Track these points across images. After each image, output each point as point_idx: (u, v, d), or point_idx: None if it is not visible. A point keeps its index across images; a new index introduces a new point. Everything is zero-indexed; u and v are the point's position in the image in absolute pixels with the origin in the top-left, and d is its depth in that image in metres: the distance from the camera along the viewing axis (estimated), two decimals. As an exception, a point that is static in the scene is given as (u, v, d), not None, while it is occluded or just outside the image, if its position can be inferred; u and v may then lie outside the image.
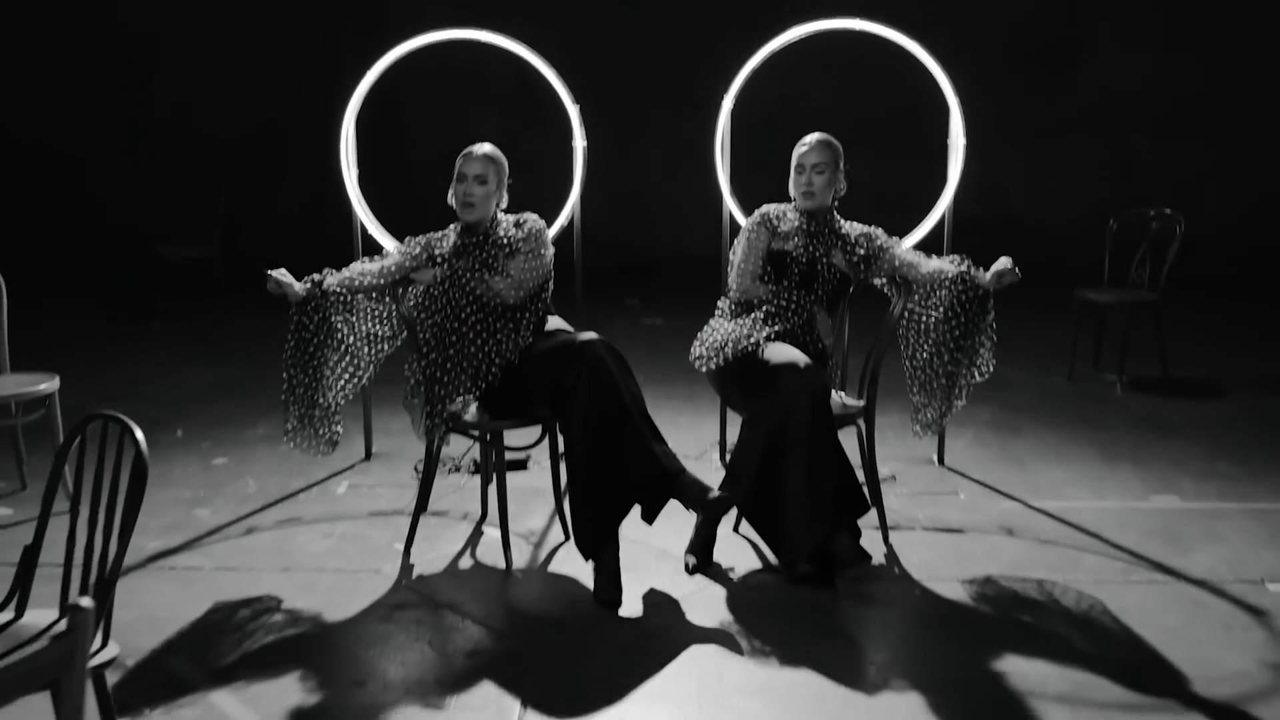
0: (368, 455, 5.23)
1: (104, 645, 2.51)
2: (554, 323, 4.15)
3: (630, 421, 3.75)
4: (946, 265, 4.08)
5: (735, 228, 4.68)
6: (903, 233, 4.54)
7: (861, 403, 4.17)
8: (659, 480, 3.75)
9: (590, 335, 3.86)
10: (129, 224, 9.73)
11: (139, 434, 2.49)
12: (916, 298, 4.14)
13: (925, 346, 4.12)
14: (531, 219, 4.17)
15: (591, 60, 10.22)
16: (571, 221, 4.94)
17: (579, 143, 4.88)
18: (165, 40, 10.31)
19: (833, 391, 4.12)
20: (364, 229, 4.97)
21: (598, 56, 10.33)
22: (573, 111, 4.88)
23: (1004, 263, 3.95)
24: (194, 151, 10.05)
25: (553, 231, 4.81)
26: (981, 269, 4.03)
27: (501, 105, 10.32)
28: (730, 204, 4.85)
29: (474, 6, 10.50)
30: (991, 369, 4.13)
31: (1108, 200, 10.34)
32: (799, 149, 4.20)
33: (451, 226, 4.21)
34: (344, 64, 10.27)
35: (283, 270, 3.99)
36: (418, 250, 4.13)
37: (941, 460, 5.11)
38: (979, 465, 5.08)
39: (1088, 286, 6.66)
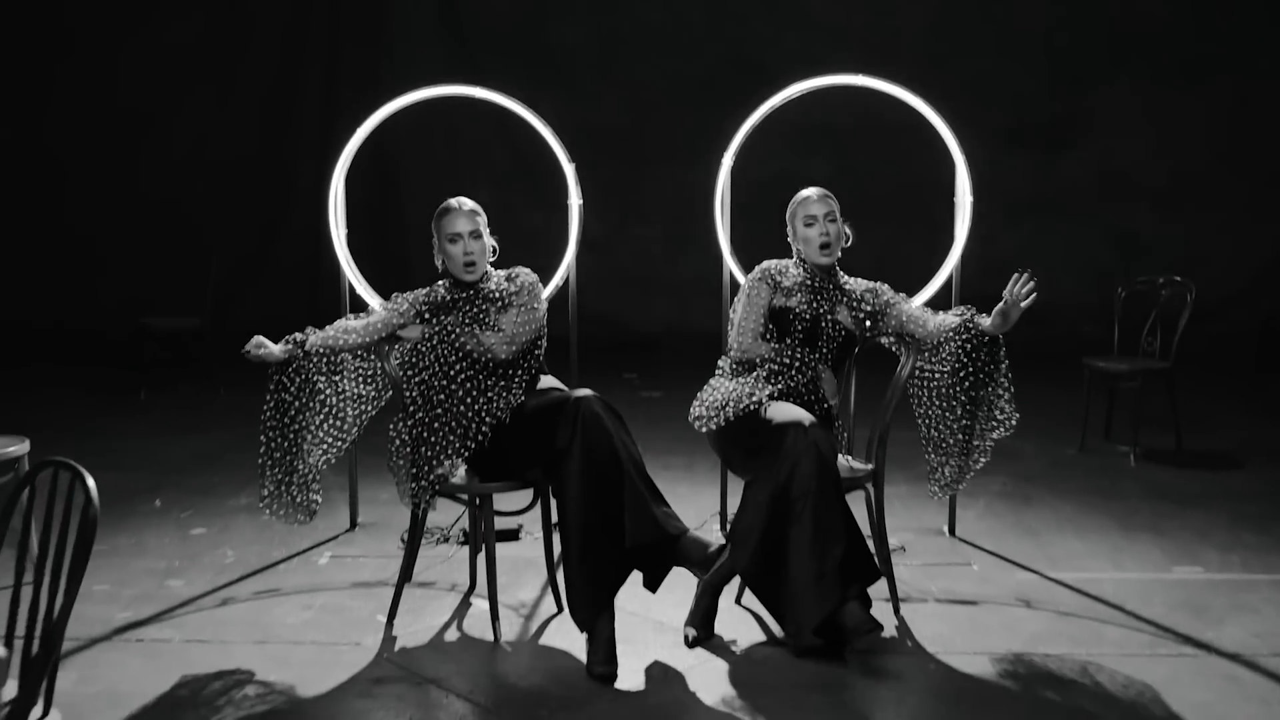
0: (353, 525, 5.02)
1: (45, 714, 2.29)
2: (547, 382, 3.97)
3: (628, 482, 3.55)
4: (952, 318, 3.91)
5: (736, 288, 4.52)
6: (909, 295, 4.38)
7: (870, 466, 3.97)
8: (661, 544, 3.54)
9: (585, 392, 3.68)
10: (118, 292, 9.61)
11: (89, 481, 2.29)
12: (925, 355, 3.96)
13: (937, 403, 3.94)
14: (524, 272, 4.01)
15: (590, 136, 10.18)
16: (567, 282, 4.78)
17: (574, 200, 4.75)
18: (159, 112, 10.28)
19: (839, 455, 3.93)
20: (353, 291, 4.81)
21: (596, 131, 10.28)
22: (568, 169, 4.75)
23: (1002, 305, 3.75)
24: (186, 220, 9.96)
25: (547, 291, 4.66)
26: (985, 315, 3.86)
27: (500, 181, 10.27)
28: (730, 263, 4.70)
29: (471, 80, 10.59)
30: (1014, 423, 3.93)
31: (1109, 274, 10.27)
32: (803, 203, 4.04)
33: (440, 283, 4.05)
34: (341, 129, 10.23)
35: (258, 339, 3.83)
36: (405, 306, 3.97)
37: (952, 531, 4.89)
38: (991, 536, 4.86)
39: (1098, 355, 6.49)
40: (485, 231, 3.98)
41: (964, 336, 3.84)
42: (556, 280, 4.76)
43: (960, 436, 3.91)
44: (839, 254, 4.05)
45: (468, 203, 3.99)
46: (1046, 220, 10.54)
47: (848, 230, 4.08)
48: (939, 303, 4.59)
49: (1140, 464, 6.04)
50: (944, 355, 3.91)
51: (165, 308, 8.44)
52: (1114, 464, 6.08)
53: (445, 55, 10.40)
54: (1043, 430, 6.64)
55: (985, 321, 3.82)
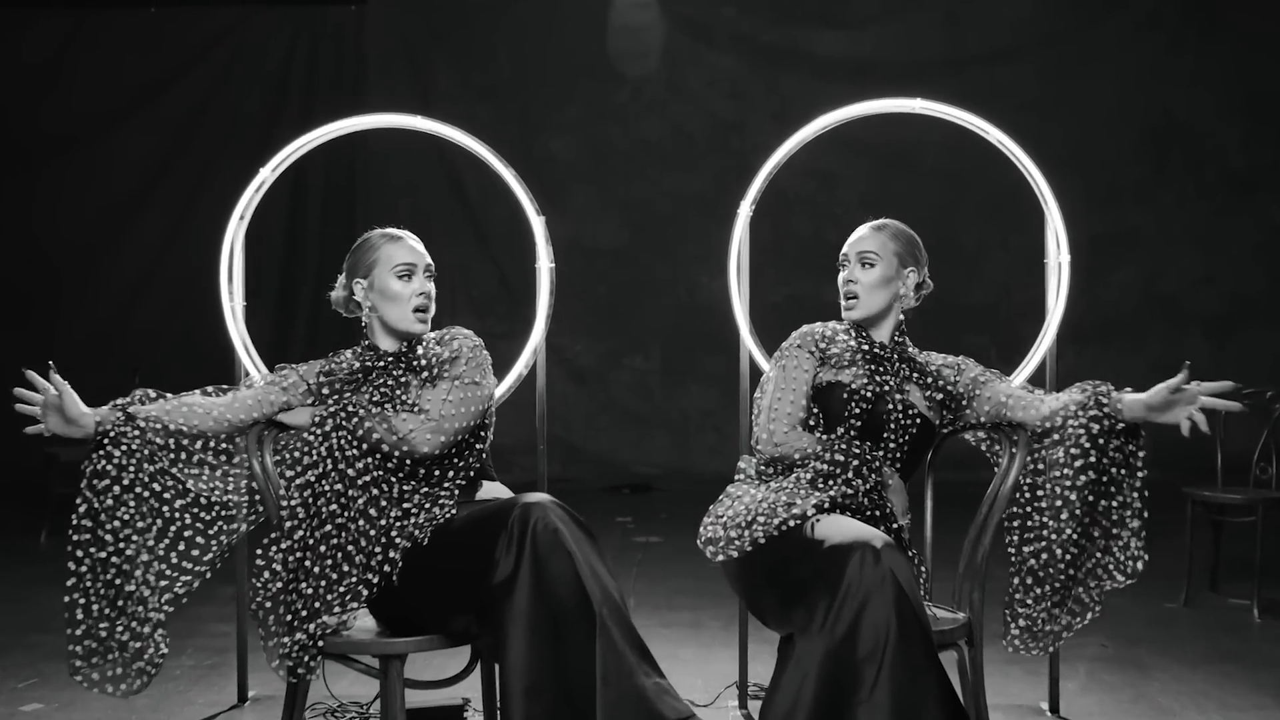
0: (241, 700, 3.71)
1: None
2: (490, 491, 2.76)
3: (604, 636, 2.31)
4: (1076, 394, 2.74)
5: (756, 374, 3.34)
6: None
7: (961, 616, 2.73)
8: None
9: (538, 496, 2.47)
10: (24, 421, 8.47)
11: None
12: (1040, 450, 2.76)
13: (1045, 514, 2.71)
14: (462, 334, 2.85)
15: (582, 256, 9.32)
16: (534, 369, 3.61)
17: (544, 263, 3.62)
18: (101, 240, 9.36)
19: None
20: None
21: (588, 252, 9.45)
22: (537, 225, 3.64)
23: (1171, 388, 2.60)
24: (109, 340, 8.94)
25: (507, 382, 3.50)
26: (1129, 390, 2.70)
27: (481, 308, 9.37)
28: (748, 341, 3.52)
29: (462, 195, 9.76)
30: (1140, 567, 2.72)
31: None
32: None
33: (351, 350, 2.89)
34: (310, 254, 9.31)
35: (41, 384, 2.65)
36: (293, 379, 2.79)
37: (1055, 708, 3.60)
38: (1110, 715, 3.57)
39: (1201, 484, 5.26)
40: None
41: (1090, 414, 2.66)
42: (520, 368, 3.59)
43: (1064, 566, 2.68)
44: (876, 309, 2.87)
45: (412, 235, 2.88)
46: (1089, 349, 9.47)
47: (910, 278, 2.91)
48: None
49: (1265, 619, 4.77)
50: (1060, 443, 2.71)
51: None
52: (1232, 620, 4.80)
53: (425, 165, 9.56)
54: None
55: (1127, 398, 2.65)
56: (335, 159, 9.55)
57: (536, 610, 2.33)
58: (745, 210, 3.62)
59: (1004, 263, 9.22)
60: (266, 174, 3.64)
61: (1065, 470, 2.66)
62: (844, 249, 2.93)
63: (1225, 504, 5.06)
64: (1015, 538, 2.74)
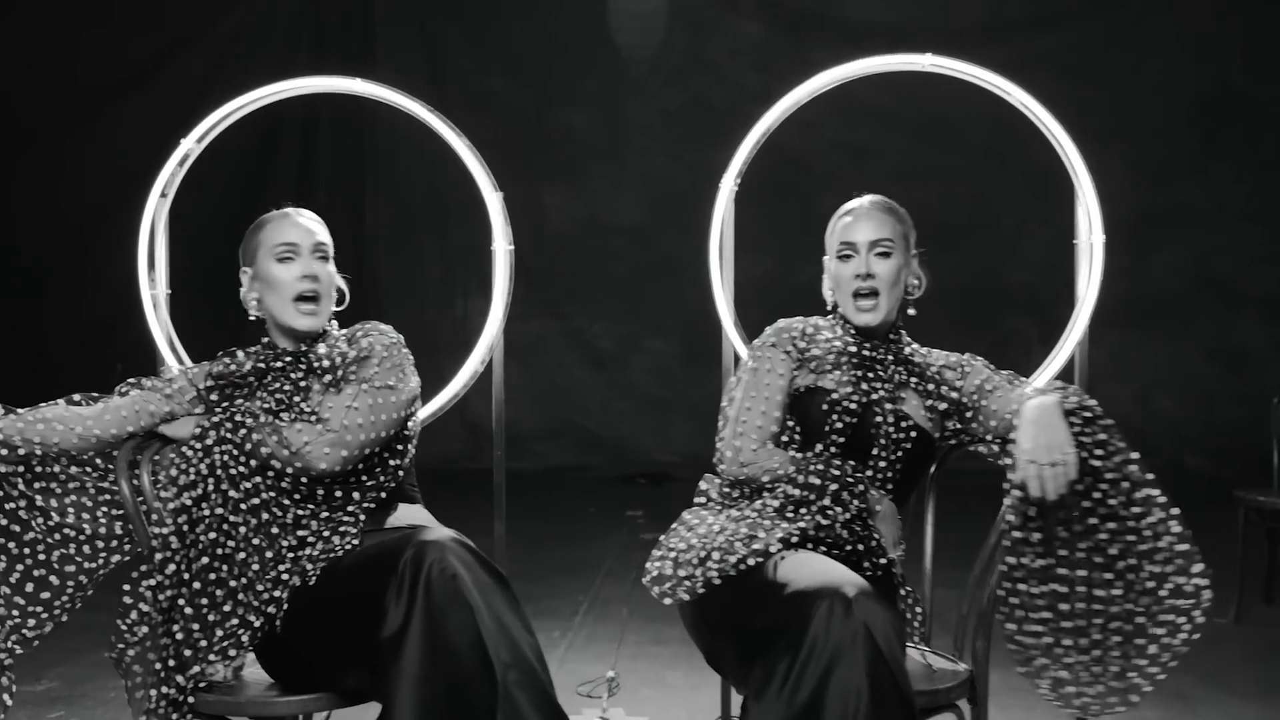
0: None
1: None
2: (410, 516, 2.34)
3: (506, 709, 1.90)
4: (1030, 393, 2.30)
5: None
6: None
7: (964, 668, 2.29)
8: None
9: (440, 533, 2.06)
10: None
11: None
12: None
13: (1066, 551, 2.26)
14: (376, 330, 2.42)
15: (600, 234, 8.94)
16: (489, 366, 3.19)
17: (501, 244, 3.20)
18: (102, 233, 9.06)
19: (908, 647, 2.25)
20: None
21: (607, 229, 9.07)
22: (493, 202, 3.23)
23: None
24: (108, 333, 8.65)
25: (462, 380, 3.09)
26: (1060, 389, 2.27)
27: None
28: (731, 332, 3.08)
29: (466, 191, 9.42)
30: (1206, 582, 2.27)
31: (1211, 395, 8.72)
32: (843, 219, 2.46)
33: (245, 350, 2.47)
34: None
35: None
36: (180, 384, 2.39)
37: (1082, 758, 3.15)
38: (1148, 767, 3.12)
39: (1254, 488, 4.77)
40: (332, 263, 2.43)
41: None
42: (476, 363, 3.16)
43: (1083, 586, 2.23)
44: (891, 311, 2.42)
45: (306, 212, 2.45)
46: (1133, 333, 8.96)
47: (919, 274, 2.47)
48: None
49: (1328, 641, 4.29)
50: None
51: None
52: (1290, 641, 4.33)
53: (437, 146, 9.20)
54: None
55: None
56: (344, 139, 9.25)
57: (428, 674, 1.91)
58: (728, 184, 3.18)
59: (1046, 241, 8.75)
60: (190, 144, 3.24)
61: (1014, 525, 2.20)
62: (845, 235, 2.41)
63: (1282, 510, 4.57)
64: (1021, 587, 2.27)
